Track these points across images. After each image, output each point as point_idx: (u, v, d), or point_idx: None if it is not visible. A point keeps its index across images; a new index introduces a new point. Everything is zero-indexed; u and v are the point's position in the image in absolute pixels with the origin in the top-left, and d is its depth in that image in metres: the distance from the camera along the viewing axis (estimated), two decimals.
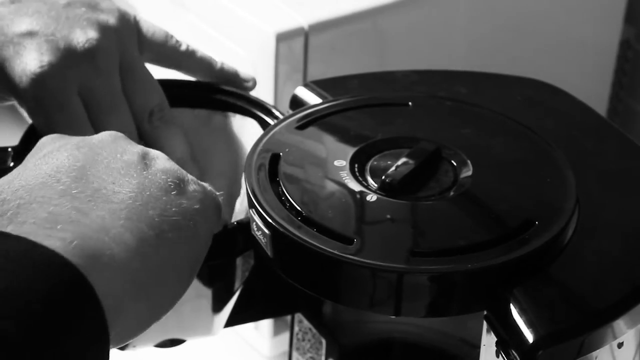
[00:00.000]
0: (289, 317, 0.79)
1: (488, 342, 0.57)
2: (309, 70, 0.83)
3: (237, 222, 0.65)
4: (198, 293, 0.68)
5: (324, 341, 0.76)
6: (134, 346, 0.70)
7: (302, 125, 0.66)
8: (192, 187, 0.55)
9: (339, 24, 0.84)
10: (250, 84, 0.77)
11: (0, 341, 0.41)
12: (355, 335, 0.77)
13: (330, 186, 0.61)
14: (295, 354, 0.79)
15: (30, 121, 0.70)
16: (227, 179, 0.76)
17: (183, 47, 0.75)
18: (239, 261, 0.68)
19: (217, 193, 0.57)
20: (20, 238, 0.46)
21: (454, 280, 0.56)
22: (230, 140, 0.75)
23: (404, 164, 0.62)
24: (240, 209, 0.71)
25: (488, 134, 0.66)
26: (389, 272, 0.56)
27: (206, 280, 0.68)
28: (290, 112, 0.69)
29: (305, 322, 0.77)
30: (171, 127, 0.73)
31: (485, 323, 0.57)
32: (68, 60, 0.67)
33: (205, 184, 0.57)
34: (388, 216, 0.59)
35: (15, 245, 0.46)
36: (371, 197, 0.60)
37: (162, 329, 0.69)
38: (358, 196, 0.60)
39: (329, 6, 0.84)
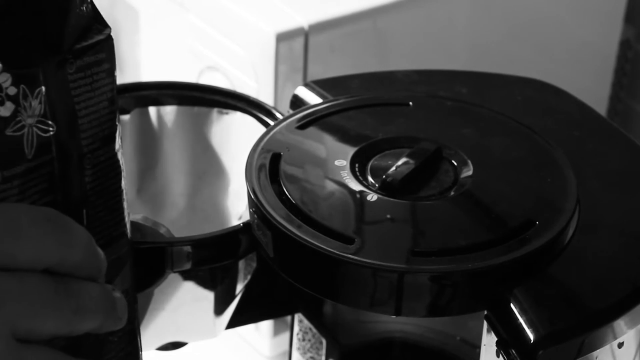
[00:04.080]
0: (289, 317, 0.79)
1: (488, 342, 0.57)
2: (309, 70, 0.83)
3: (243, 223, 0.65)
4: (200, 296, 0.68)
5: (324, 341, 0.76)
6: None
7: (303, 125, 0.66)
8: None
9: (339, 24, 0.84)
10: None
11: None
12: (355, 335, 0.77)
13: (331, 186, 0.61)
14: (295, 354, 0.79)
15: None
16: (227, 178, 0.76)
17: None
18: (241, 264, 0.68)
19: None
20: None
21: (455, 280, 0.56)
22: (230, 140, 0.75)
23: (405, 163, 0.61)
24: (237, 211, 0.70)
25: (488, 133, 0.66)
26: (390, 272, 0.56)
27: (208, 283, 0.68)
28: (291, 112, 0.69)
29: (305, 322, 0.76)
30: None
31: (485, 323, 0.57)
32: None
33: None
34: (388, 216, 0.59)
35: None
36: (372, 197, 0.60)
37: (163, 332, 0.69)
38: (358, 196, 0.60)
39: (329, 6, 0.84)
